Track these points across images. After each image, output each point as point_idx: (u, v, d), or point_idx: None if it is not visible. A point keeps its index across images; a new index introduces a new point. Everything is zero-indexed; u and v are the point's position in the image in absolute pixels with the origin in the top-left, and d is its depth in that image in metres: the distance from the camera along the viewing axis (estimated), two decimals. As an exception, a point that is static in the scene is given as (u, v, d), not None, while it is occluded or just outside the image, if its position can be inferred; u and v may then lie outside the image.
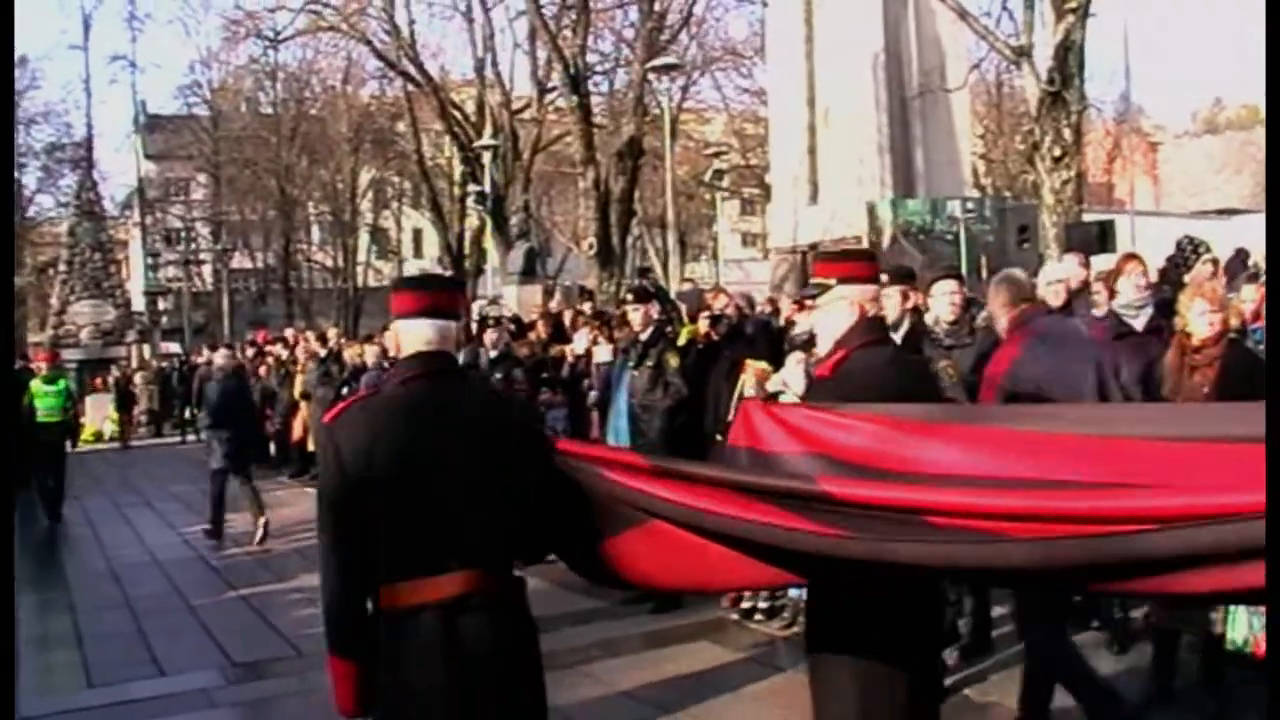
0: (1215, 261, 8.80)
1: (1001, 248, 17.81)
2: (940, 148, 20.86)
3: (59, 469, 15.44)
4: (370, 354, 14.02)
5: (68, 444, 16.16)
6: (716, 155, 39.99)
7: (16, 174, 49.56)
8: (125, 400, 29.21)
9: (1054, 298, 7.48)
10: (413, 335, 3.41)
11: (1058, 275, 7.61)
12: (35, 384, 15.59)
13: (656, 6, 31.39)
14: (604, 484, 3.35)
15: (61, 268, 36.15)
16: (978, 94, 35.19)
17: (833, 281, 4.08)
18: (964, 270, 17.71)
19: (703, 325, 10.42)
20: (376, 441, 3.24)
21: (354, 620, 3.29)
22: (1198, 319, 5.69)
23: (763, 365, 8.01)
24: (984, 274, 17.58)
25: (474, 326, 13.53)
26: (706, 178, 40.42)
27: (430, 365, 3.37)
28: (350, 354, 15.93)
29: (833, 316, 4.06)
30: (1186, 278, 8.56)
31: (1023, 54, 17.02)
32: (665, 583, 3.84)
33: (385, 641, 3.24)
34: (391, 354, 3.20)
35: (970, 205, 19.62)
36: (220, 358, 14.67)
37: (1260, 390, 3.36)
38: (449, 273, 37.14)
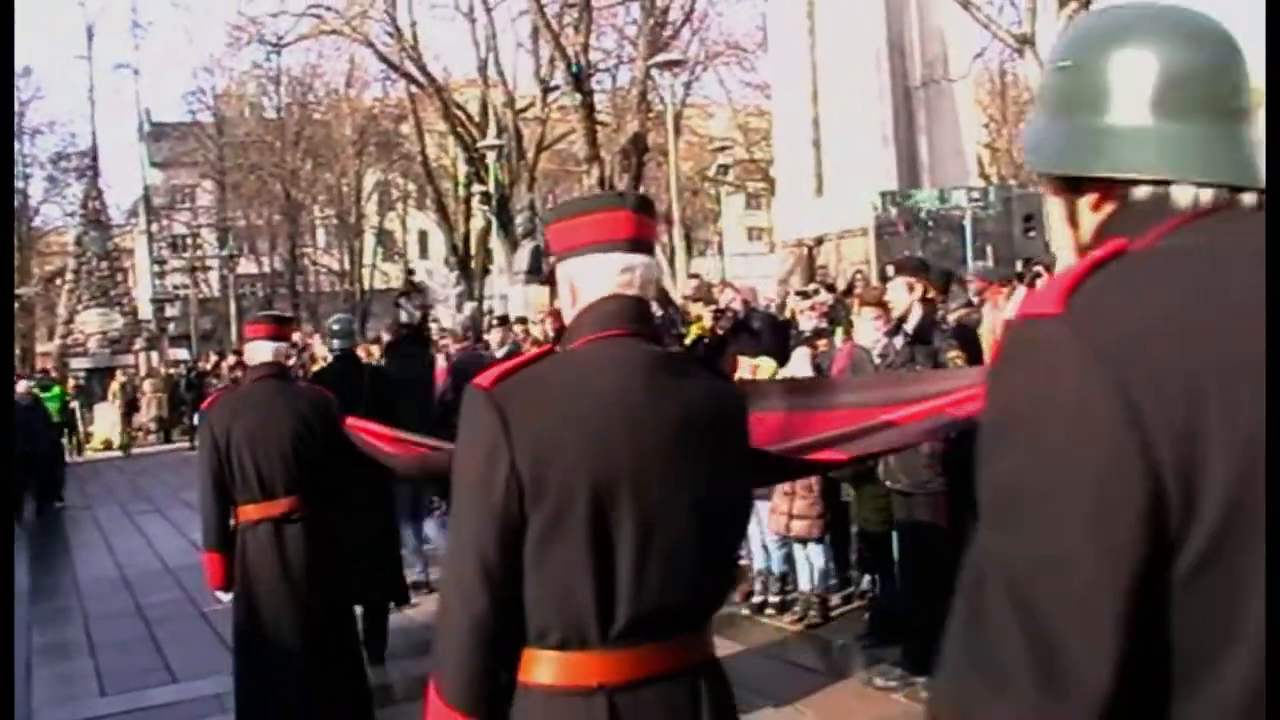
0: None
1: (1008, 236, 17.71)
2: (945, 138, 20.76)
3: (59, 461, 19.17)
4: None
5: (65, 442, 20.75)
6: (721, 150, 39.97)
7: (22, 184, 49.81)
8: (130, 408, 29.24)
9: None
10: (258, 352, 5.53)
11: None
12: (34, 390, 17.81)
13: (659, 2, 31.30)
14: (366, 443, 5.26)
15: (68, 277, 36.33)
16: (981, 83, 35.06)
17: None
18: (969, 259, 17.66)
19: (706, 318, 10.38)
20: (234, 418, 5.25)
21: (221, 528, 5.32)
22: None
23: (757, 362, 7.97)
24: (991, 263, 17.49)
25: (484, 326, 13.50)
26: (711, 173, 40.39)
27: (267, 372, 5.44)
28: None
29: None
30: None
31: (1026, 42, 16.91)
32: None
33: (239, 542, 5.26)
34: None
35: (976, 194, 19.53)
36: (21, 387, 18.63)
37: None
38: (455, 272, 37.30)
